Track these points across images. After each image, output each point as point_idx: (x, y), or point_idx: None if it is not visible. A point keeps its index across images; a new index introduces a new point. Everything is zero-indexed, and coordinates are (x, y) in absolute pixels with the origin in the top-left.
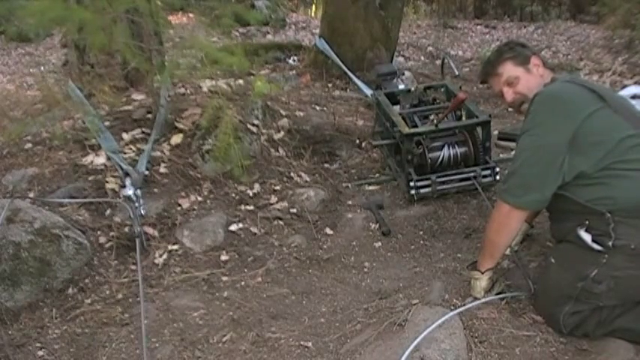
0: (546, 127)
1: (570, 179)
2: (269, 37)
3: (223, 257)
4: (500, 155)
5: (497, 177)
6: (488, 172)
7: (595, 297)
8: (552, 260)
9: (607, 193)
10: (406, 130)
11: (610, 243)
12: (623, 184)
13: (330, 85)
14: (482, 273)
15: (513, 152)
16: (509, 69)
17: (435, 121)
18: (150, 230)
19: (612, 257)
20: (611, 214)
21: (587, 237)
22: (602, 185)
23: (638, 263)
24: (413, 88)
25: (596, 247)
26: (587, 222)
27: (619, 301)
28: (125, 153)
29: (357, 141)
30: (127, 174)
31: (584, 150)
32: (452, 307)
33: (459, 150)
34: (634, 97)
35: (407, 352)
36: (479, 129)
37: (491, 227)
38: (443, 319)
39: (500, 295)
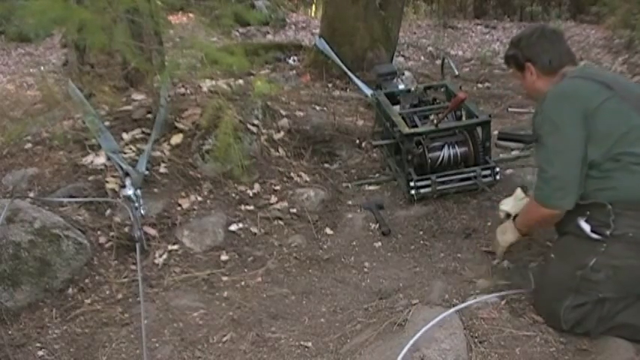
0: (563, 129)
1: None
2: (269, 37)
3: (223, 257)
4: (500, 155)
5: (497, 177)
6: (488, 172)
7: (594, 286)
8: (552, 256)
9: (611, 185)
10: (406, 130)
11: (608, 232)
12: (628, 178)
13: (330, 85)
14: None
15: (513, 152)
16: (512, 66)
17: (435, 121)
18: (150, 230)
19: (611, 246)
20: (612, 205)
21: (586, 227)
22: (607, 179)
23: (636, 252)
24: (413, 88)
25: (594, 236)
26: (588, 212)
27: (619, 292)
28: (125, 153)
29: (357, 141)
30: (127, 174)
31: (595, 140)
32: (452, 307)
33: (459, 150)
34: None
35: (404, 351)
36: (479, 129)
37: (533, 223)
38: (441, 316)
39: (502, 293)
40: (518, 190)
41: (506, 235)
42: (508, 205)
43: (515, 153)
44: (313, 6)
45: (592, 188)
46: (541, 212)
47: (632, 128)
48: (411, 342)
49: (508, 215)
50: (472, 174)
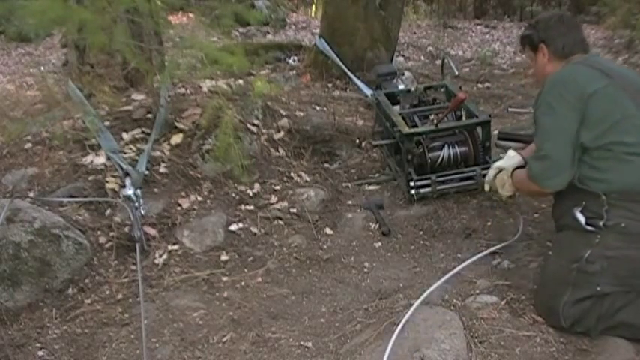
0: (557, 111)
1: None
2: (269, 37)
3: (223, 257)
4: (500, 155)
5: None
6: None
7: (591, 278)
8: (550, 253)
9: (604, 177)
10: (406, 130)
11: (601, 223)
12: (621, 169)
13: (330, 85)
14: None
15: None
16: (527, 48)
17: (435, 121)
18: (150, 230)
19: (604, 237)
20: (606, 196)
21: (582, 219)
22: (600, 170)
23: (629, 242)
24: (413, 88)
25: (589, 228)
26: (583, 203)
27: (616, 284)
28: (125, 153)
29: (357, 141)
30: (127, 174)
31: (587, 124)
32: (452, 308)
33: (459, 150)
34: None
35: (391, 342)
36: (479, 129)
37: (525, 193)
38: (416, 302)
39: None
40: (510, 151)
41: (504, 189)
42: (501, 162)
43: None
44: (313, 6)
45: (585, 175)
46: (532, 187)
47: (626, 117)
48: (397, 331)
49: (499, 171)
50: (472, 174)
